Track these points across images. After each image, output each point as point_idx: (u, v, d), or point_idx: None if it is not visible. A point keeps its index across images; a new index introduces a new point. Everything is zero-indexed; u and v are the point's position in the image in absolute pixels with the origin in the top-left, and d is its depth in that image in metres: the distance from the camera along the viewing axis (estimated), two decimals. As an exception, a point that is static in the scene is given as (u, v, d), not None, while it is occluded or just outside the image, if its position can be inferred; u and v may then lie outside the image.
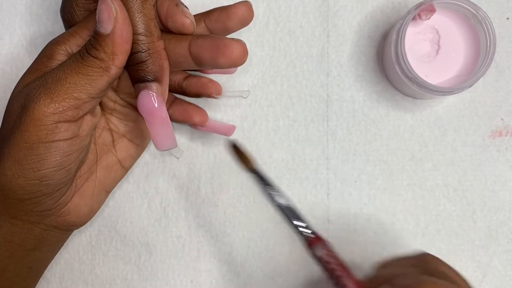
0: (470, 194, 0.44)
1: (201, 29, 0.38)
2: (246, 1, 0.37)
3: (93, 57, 0.33)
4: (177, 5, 0.35)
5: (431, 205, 0.44)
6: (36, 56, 0.47)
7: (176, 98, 0.43)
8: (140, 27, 0.33)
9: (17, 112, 0.33)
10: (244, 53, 0.34)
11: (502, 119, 0.44)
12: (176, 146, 0.36)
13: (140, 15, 0.33)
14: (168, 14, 0.35)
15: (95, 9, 0.36)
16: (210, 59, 0.35)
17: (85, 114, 0.34)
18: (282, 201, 0.35)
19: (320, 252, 0.33)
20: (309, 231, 0.34)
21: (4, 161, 0.33)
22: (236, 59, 0.34)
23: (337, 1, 0.45)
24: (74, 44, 0.35)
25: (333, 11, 0.45)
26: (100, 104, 0.39)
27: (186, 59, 0.36)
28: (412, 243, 0.44)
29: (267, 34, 0.45)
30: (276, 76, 0.45)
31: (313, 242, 0.33)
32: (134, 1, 0.33)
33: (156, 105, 0.34)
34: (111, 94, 0.39)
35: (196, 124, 0.43)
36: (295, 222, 0.34)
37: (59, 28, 0.45)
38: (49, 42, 0.36)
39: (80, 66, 0.33)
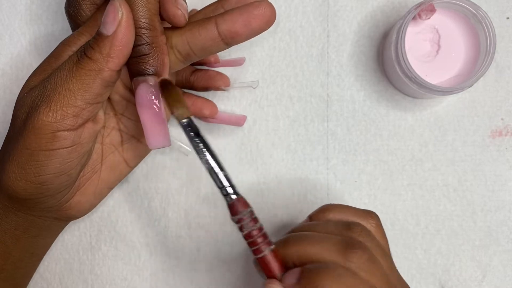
0: (470, 194, 0.44)
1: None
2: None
3: (88, 57, 0.32)
4: None
5: (431, 205, 0.44)
6: (35, 56, 0.47)
7: (185, 92, 0.43)
8: (144, 21, 0.33)
9: (22, 118, 0.34)
10: (274, 10, 0.34)
11: (502, 119, 0.44)
12: (170, 145, 0.35)
13: (144, 9, 0.33)
14: (161, 3, 0.34)
15: (103, 4, 0.36)
16: (243, 28, 0.34)
17: (86, 122, 0.34)
18: (208, 157, 0.33)
19: (241, 216, 0.32)
20: (232, 192, 0.33)
21: (8, 163, 0.34)
22: (269, 16, 0.34)
23: (337, 1, 0.45)
24: (84, 43, 0.35)
25: (333, 11, 0.45)
26: (112, 103, 0.38)
27: (214, 41, 0.35)
28: (412, 243, 0.44)
29: (267, 34, 0.45)
30: (276, 76, 0.45)
31: (235, 205, 0.33)
32: None
33: (154, 99, 0.34)
34: (125, 91, 0.38)
35: (206, 116, 0.42)
36: (220, 182, 0.33)
37: (59, 28, 0.45)
38: (60, 43, 0.36)
39: (75, 70, 0.33)
